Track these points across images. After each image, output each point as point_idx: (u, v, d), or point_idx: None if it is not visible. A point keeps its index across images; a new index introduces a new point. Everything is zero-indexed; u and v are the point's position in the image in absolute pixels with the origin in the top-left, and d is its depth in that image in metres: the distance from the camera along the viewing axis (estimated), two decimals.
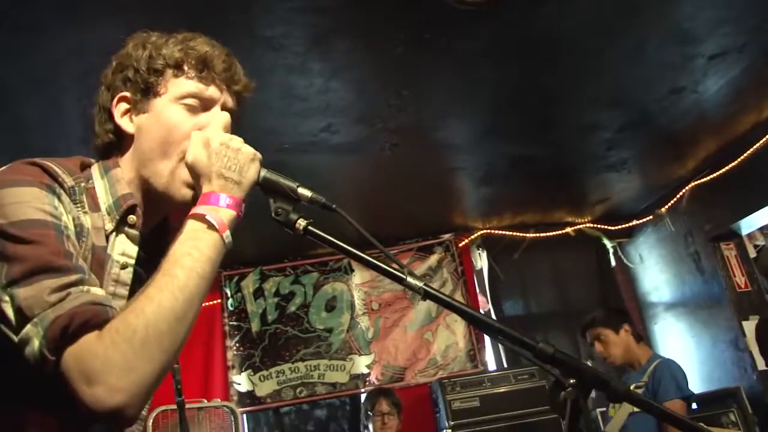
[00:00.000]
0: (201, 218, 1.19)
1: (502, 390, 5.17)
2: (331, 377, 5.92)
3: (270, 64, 3.40)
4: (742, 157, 5.06)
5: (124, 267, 1.27)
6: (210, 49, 1.37)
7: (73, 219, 1.19)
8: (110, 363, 1.01)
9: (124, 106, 1.36)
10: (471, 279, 6.37)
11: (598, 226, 6.58)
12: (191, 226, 1.19)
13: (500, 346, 6.14)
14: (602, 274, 6.69)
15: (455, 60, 3.65)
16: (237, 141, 1.28)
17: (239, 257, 6.01)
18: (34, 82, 3.22)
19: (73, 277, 1.07)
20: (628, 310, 6.44)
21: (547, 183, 5.63)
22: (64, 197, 1.19)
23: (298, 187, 1.27)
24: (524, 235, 6.39)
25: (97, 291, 1.09)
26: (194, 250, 1.15)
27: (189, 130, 1.32)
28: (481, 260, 6.41)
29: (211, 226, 1.18)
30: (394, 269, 1.29)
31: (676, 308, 6.05)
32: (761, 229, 5.61)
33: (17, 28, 2.84)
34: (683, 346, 5.88)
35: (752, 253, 5.58)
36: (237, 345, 5.92)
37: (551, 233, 6.45)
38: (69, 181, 1.23)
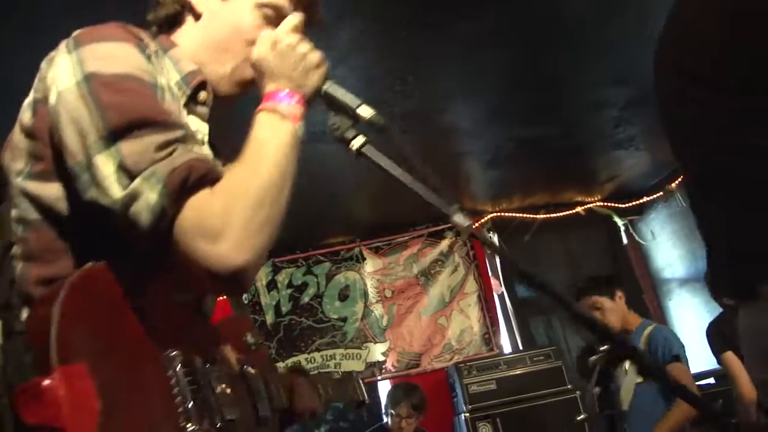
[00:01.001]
0: (272, 110, 1.16)
1: (518, 372, 5.18)
2: (347, 366, 5.93)
3: None
4: None
5: (201, 143, 1.25)
6: None
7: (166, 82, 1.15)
8: (232, 217, 0.97)
9: None
10: (483, 263, 6.36)
11: (609, 204, 6.56)
12: (264, 118, 1.16)
13: (515, 328, 6.15)
14: (614, 253, 6.67)
15: (460, 43, 3.63)
16: (305, 46, 1.24)
17: None
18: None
19: (178, 133, 1.02)
20: (641, 286, 6.45)
21: (555, 163, 5.61)
22: (153, 59, 1.15)
23: (358, 106, 1.22)
24: (534, 216, 6.38)
25: (201, 150, 1.05)
26: (274, 135, 1.12)
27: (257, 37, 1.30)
28: None
29: (283, 117, 1.15)
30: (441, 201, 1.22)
31: (691, 283, 6.03)
32: None
33: (24, 25, 2.84)
34: (699, 321, 5.86)
35: None
36: None
37: (561, 213, 6.44)
38: (152, 46, 1.20)
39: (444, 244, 6.31)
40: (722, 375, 4.65)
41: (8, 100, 1.33)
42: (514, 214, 6.39)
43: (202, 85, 1.26)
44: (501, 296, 6.31)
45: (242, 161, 1.08)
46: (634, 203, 6.51)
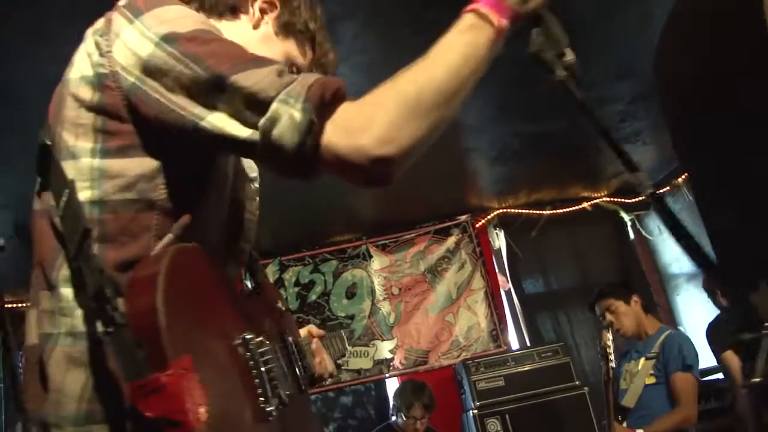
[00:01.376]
0: (484, 16, 1.10)
1: (526, 368, 5.19)
2: (355, 364, 5.94)
3: None
4: None
5: None
6: (331, 52, 1.45)
7: None
8: (377, 116, 0.96)
9: (269, 6, 1.35)
10: (490, 259, 6.36)
11: (615, 199, 6.55)
12: (471, 18, 1.09)
13: (522, 324, 6.15)
14: (622, 248, 6.66)
15: None
16: None
17: (257, 248, 6.03)
18: (48, 86, 3.23)
19: (283, 65, 1.02)
20: (648, 281, 6.44)
21: (561, 159, 5.60)
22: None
23: (566, 47, 1.20)
24: (541, 212, 6.37)
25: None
26: (471, 43, 1.08)
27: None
28: (499, 240, 6.40)
29: (492, 27, 1.09)
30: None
31: (699, 278, 6.00)
32: None
33: (29, 32, 2.85)
34: (707, 316, 5.83)
35: None
36: None
37: (568, 209, 6.43)
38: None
39: (451, 241, 6.31)
40: None
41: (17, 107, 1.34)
42: (520, 211, 6.39)
43: None
44: (508, 292, 6.31)
45: (419, 60, 1.06)
46: (640, 198, 6.49)
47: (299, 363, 1.45)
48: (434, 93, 1.00)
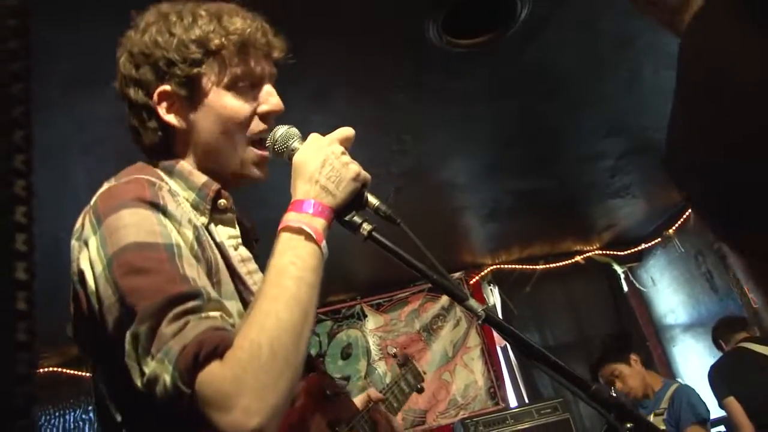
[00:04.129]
0: (297, 230, 1.15)
1: (526, 426, 5.13)
2: None
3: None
4: None
5: (236, 248, 1.28)
6: (245, 23, 1.30)
7: (188, 221, 1.15)
8: (242, 385, 0.96)
9: (167, 102, 1.28)
10: None
11: (608, 252, 6.60)
12: (287, 237, 1.14)
13: (520, 380, 6.11)
14: (616, 300, 6.69)
15: (453, 101, 3.69)
16: (347, 157, 1.25)
17: None
18: (43, 155, 3.25)
19: (190, 305, 1.01)
20: (644, 333, 6.43)
21: (553, 214, 5.65)
22: (168, 199, 1.14)
23: (367, 194, 1.25)
24: (534, 267, 6.40)
25: (215, 314, 1.03)
26: (297, 259, 1.11)
27: (249, 114, 1.30)
28: (493, 295, 6.40)
29: (308, 237, 1.14)
30: (457, 290, 1.25)
31: (694, 329, 6.02)
32: None
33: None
34: (703, 367, 5.82)
35: None
36: None
37: (561, 263, 6.47)
38: (164, 182, 1.21)
39: (445, 299, 6.30)
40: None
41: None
42: (513, 266, 6.41)
43: (219, 194, 1.27)
44: (504, 349, 6.28)
45: (258, 298, 1.07)
46: (632, 250, 6.55)
47: None
48: (288, 340, 1.03)
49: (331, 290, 6.20)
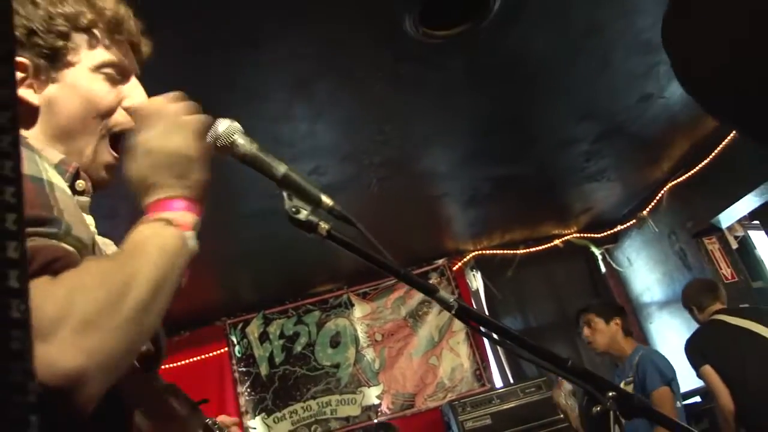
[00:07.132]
0: (156, 219, 0.99)
1: (512, 405, 5.29)
2: (343, 411, 6.00)
3: (254, 114, 3.52)
4: (713, 154, 5.27)
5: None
6: (117, 6, 1.20)
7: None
8: (69, 313, 0.76)
9: (22, 73, 1.11)
10: (468, 300, 6.47)
11: (585, 235, 6.77)
12: (143, 227, 0.97)
13: (504, 362, 6.26)
14: (594, 281, 6.87)
15: (432, 91, 3.82)
16: (177, 132, 1.06)
17: (241, 303, 6.13)
18: None
19: (46, 229, 0.86)
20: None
21: (531, 199, 5.81)
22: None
23: (320, 193, 1.13)
24: (515, 251, 6.56)
25: (69, 248, 0.88)
26: (154, 237, 0.95)
27: (114, 104, 1.18)
28: (476, 281, 6.54)
29: (168, 222, 0.98)
30: (424, 283, 1.20)
31: (670, 306, 6.20)
32: (740, 221, 5.81)
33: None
34: (680, 341, 6.00)
35: (734, 245, 5.78)
36: (248, 390, 6.01)
37: (541, 247, 6.64)
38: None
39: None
40: (706, 393, 4.79)
41: None
42: (495, 251, 6.57)
43: (77, 174, 1.11)
44: (488, 332, 6.41)
45: (120, 252, 0.93)
46: (609, 232, 6.73)
47: None
48: (136, 294, 0.84)
49: (318, 280, 6.32)
